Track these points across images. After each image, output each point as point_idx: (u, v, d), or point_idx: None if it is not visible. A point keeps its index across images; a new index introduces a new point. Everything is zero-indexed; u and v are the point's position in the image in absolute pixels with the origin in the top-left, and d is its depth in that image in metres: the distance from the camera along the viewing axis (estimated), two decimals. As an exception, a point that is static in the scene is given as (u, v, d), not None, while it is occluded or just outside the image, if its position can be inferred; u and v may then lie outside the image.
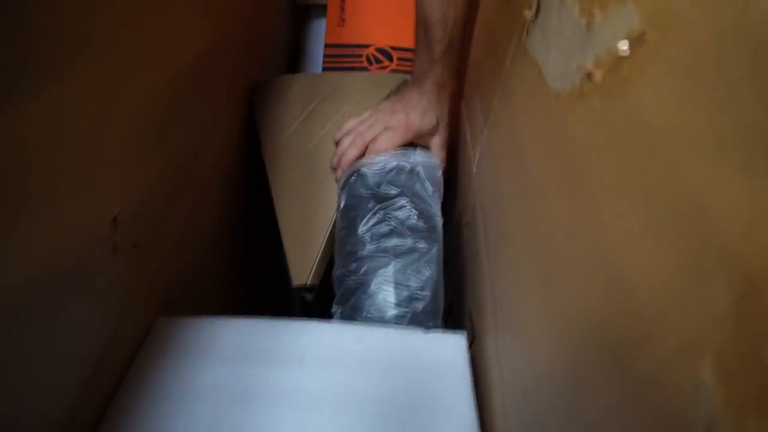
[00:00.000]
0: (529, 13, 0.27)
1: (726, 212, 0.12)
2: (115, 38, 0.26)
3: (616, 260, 0.17)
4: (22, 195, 0.21)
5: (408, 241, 0.38)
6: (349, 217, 0.41)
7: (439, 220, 0.40)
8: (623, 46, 0.17)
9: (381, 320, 0.36)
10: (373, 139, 0.45)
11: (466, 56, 0.50)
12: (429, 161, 0.43)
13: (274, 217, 0.46)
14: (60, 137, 0.23)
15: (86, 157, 0.25)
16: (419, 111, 0.45)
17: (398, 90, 0.52)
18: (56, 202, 0.23)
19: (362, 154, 0.44)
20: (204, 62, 0.39)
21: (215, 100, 0.44)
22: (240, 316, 0.33)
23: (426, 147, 0.46)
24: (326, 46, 0.68)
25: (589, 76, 0.20)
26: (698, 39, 0.14)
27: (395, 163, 0.41)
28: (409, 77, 0.54)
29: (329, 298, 0.60)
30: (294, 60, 0.75)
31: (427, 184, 0.41)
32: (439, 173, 0.43)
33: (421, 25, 0.47)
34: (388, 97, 0.51)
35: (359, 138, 0.45)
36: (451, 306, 0.40)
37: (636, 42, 0.17)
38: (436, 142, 0.47)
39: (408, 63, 0.65)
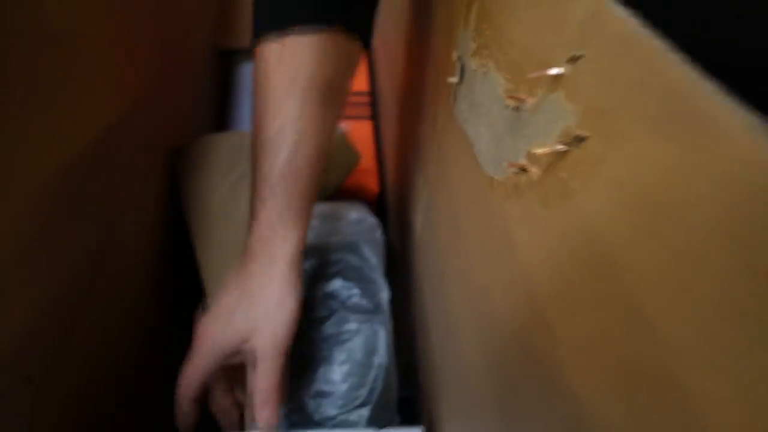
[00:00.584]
0: (453, 79, 0.24)
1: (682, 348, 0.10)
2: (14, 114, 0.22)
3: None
4: None
5: (352, 326, 0.34)
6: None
7: (385, 296, 0.36)
8: (558, 146, 0.14)
9: (327, 420, 0.32)
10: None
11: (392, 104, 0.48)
12: (367, 226, 0.39)
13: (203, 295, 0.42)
14: None
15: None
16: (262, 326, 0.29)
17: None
18: None
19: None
20: (120, 130, 0.35)
21: (133, 171, 0.39)
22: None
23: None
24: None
25: (523, 170, 0.17)
26: (646, 162, 0.11)
27: (334, 240, 0.37)
28: (343, 128, 0.51)
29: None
30: (221, 112, 0.70)
31: (370, 257, 0.37)
32: (379, 234, 0.40)
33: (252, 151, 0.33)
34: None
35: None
36: (414, 384, 0.37)
37: (574, 143, 0.14)
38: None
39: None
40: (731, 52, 0.10)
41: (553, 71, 0.14)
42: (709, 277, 0.10)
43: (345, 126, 0.52)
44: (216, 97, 0.70)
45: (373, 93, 0.65)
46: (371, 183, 0.59)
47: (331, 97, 0.32)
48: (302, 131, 0.30)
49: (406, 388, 0.38)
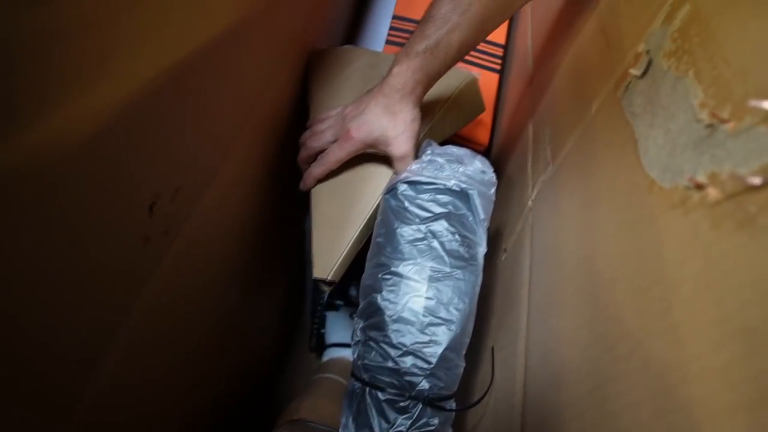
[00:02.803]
0: (635, 71, 0.24)
1: None
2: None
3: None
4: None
5: (446, 268, 0.36)
6: (389, 225, 0.38)
7: (482, 250, 0.38)
8: (754, 179, 0.15)
9: (402, 346, 0.34)
10: (324, 151, 0.44)
11: (545, 73, 0.47)
12: (485, 179, 0.40)
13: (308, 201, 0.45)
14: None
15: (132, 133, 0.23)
16: (369, 120, 0.41)
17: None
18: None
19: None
20: (264, 23, 0.37)
21: (269, 64, 0.41)
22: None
23: (387, 156, 0.42)
24: (394, 17, 0.64)
25: (699, 187, 0.17)
26: None
27: (451, 182, 0.38)
28: (477, 74, 0.51)
29: (345, 293, 0.59)
30: (355, 25, 0.71)
31: (479, 210, 0.38)
32: (493, 192, 0.40)
33: (422, 18, 0.41)
34: (453, 94, 0.48)
35: (313, 144, 0.44)
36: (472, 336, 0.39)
37: (774, 182, 0.14)
38: (395, 152, 0.41)
39: (475, 53, 0.61)
40: None
41: (778, 107, 0.14)
42: None
43: (477, 73, 0.52)
44: (354, 7, 0.70)
45: (507, 47, 0.64)
46: (482, 136, 0.59)
47: (496, 7, 0.39)
48: (465, 19, 0.39)
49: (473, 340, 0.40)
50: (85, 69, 0.19)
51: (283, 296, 0.63)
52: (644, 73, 0.23)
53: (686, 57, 0.20)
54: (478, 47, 0.62)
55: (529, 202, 0.38)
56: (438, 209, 0.38)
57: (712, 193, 0.16)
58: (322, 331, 0.59)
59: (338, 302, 0.59)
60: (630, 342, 0.19)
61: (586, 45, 0.33)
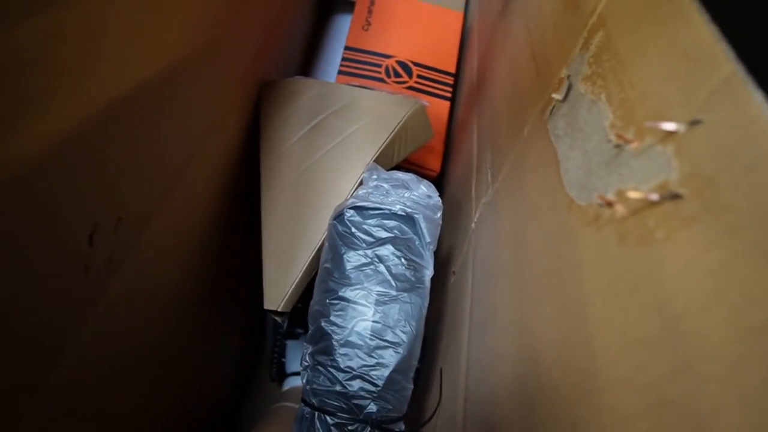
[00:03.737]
0: (557, 96, 0.25)
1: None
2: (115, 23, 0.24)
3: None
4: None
5: (392, 292, 0.36)
6: (336, 250, 0.39)
7: (428, 273, 0.38)
8: (653, 195, 0.15)
9: (349, 370, 0.34)
10: None
11: (489, 89, 0.48)
12: (431, 203, 0.41)
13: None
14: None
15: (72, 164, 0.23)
16: None
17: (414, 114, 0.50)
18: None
19: None
20: (215, 55, 0.37)
21: (221, 97, 0.42)
22: None
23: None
24: (346, 48, 0.65)
25: (609, 205, 0.18)
26: (740, 237, 0.12)
27: (397, 207, 0.39)
28: (425, 101, 0.52)
29: (302, 319, 0.59)
30: (309, 54, 0.72)
31: (425, 234, 0.39)
32: (439, 216, 0.41)
33: None
34: (401, 121, 0.49)
35: None
36: (422, 357, 0.39)
37: (669, 197, 0.15)
38: None
39: (427, 82, 0.63)
40: None
41: (670, 126, 0.15)
42: (764, 354, 0.11)
43: (426, 101, 0.53)
44: (307, 39, 0.71)
45: (457, 75, 0.65)
46: (434, 162, 0.60)
47: None
48: None
49: (421, 360, 0.40)
50: (18, 106, 0.19)
51: (242, 325, 0.62)
52: (565, 97, 0.24)
53: (600, 81, 0.21)
54: (430, 76, 0.64)
55: (473, 225, 0.39)
56: (384, 234, 0.39)
57: (619, 209, 0.17)
58: (283, 359, 0.59)
59: (298, 330, 0.58)
60: (552, 355, 0.20)
61: (520, 71, 0.35)
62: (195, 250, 0.43)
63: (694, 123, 0.14)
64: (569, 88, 0.24)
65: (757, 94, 0.13)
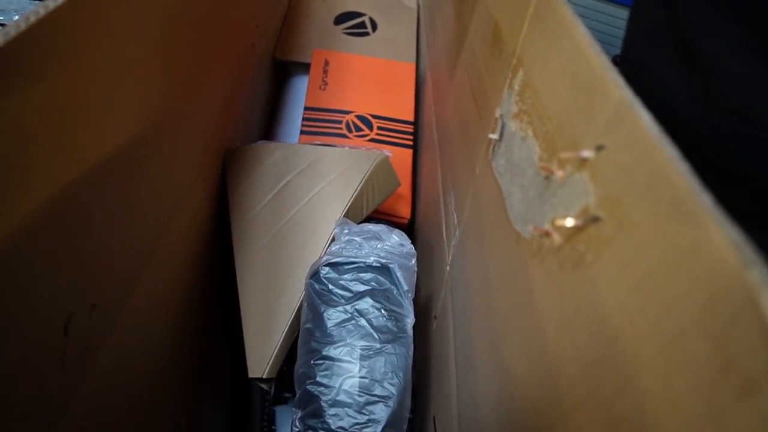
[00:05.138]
0: (493, 136, 0.26)
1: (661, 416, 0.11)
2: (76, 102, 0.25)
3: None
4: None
5: (376, 345, 0.36)
6: (316, 309, 0.39)
7: (410, 322, 0.38)
8: (578, 221, 0.16)
9: (341, 431, 0.34)
10: None
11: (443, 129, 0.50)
12: (404, 251, 0.42)
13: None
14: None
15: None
16: None
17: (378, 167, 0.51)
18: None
19: None
20: (177, 127, 0.38)
21: (186, 168, 0.43)
22: None
23: None
24: (306, 109, 0.67)
25: (547, 234, 0.19)
26: (650, 250, 0.13)
27: (371, 259, 0.40)
28: (388, 152, 0.53)
29: (289, 384, 0.58)
30: (269, 119, 0.74)
31: (402, 283, 0.39)
32: (413, 263, 0.42)
33: None
34: (366, 175, 0.50)
35: None
36: (415, 407, 0.38)
37: (591, 221, 0.16)
38: None
39: (387, 133, 0.65)
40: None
41: (583, 154, 0.16)
42: (686, 361, 0.11)
43: (389, 151, 0.54)
44: (267, 103, 0.73)
45: (416, 123, 0.67)
46: (404, 209, 0.61)
47: None
48: None
49: (413, 411, 0.39)
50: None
51: (228, 395, 0.61)
52: (501, 135, 0.25)
53: (525, 117, 0.22)
54: (391, 126, 0.66)
55: (447, 268, 0.39)
56: (361, 287, 0.39)
57: (555, 238, 0.18)
58: (273, 427, 0.57)
59: (286, 395, 0.57)
60: (522, 390, 0.20)
61: (466, 113, 0.36)
62: (173, 326, 0.43)
63: (599, 148, 0.15)
64: (503, 127, 0.25)
65: (644, 117, 0.14)
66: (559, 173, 0.18)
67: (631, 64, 0.15)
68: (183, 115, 0.40)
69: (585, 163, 0.16)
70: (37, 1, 0.49)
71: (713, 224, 0.11)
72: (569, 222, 0.17)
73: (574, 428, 0.16)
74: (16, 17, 0.44)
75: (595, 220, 0.15)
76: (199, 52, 0.42)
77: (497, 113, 0.26)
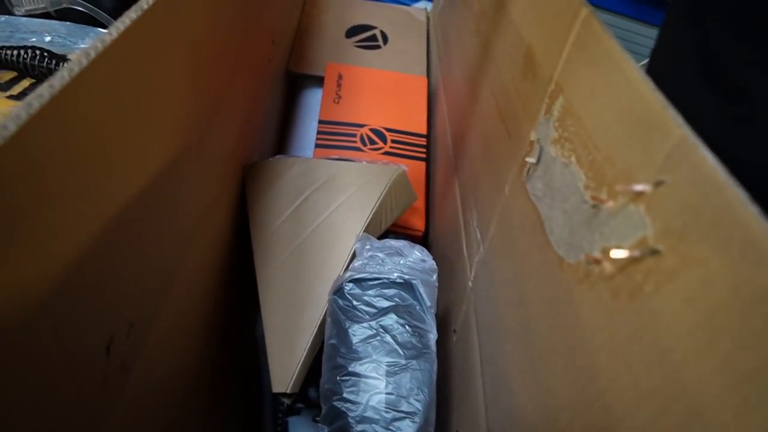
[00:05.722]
0: (530, 159, 0.26)
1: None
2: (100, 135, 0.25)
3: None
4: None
5: (401, 361, 0.37)
6: (340, 325, 0.39)
7: (433, 337, 0.39)
8: (634, 252, 0.17)
9: (369, 446, 0.34)
10: None
11: (462, 147, 0.50)
12: (426, 267, 0.42)
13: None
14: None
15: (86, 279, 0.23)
16: None
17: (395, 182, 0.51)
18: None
19: None
20: (202, 150, 0.39)
21: (209, 187, 0.43)
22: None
23: None
24: (320, 122, 0.68)
25: (597, 262, 0.19)
26: (718, 287, 0.13)
27: (395, 275, 0.40)
28: (404, 166, 0.54)
29: (304, 395, 0.58)
30: (285, 131, 0.74)
31: (424, 299, 0.39)
32: (435, 279, 0.42)
33: None
34: (384, 189, 0.50)
35: None
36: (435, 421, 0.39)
37: (650, 253, 0.16)
38: None
39: (401, 146, 0.65)
40: None
41: (638, 188, 0.17)
42: (763, 399, 0.12)
43: (404, 165, 0.55)
44: (282, 116, 0.74)
45: (429, 136, 0.68)
46: (418, 222, 0.62)
47: None
48: None
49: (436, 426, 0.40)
50: (26, 235, 0.20)
51: (241, 406, 0.61)
52: (538, 160, 0.26)
53: (567, 144, 0.23)
54: (404, 140, 0.66)
55: (470, 283, 0.39)
56: (385, 303, 0.40)
57: (607, 267, 0.18)
58: (288, 440, 0.58)
59: (299, 405, 0.57)
60: (568, 413, 0.20)
61: (491, 131, 0.37)
62: (197, 341, 0.43)
63: (658, 183, 0.16)
64: (540, 151, 0.26)
65: (708, 156, 0.14)
66: (610, 203, 0.19)
67: (655, 82, 0.15)
68: (209, 134, 0.40)
69: (641, 196, 0.17)
70: (70, 24, 0.49)
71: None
72: (624, 253, 0.17)
73: (632, 455, 0.16)
74: (48, 38, 0.45)
75: (654, 252, 0.16)
76: (226, 72, 0.42)
77: (533, 137, 0.27)
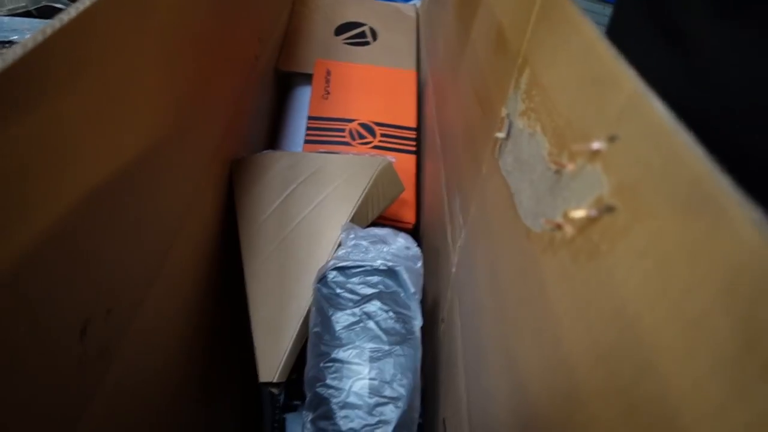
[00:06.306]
0: (500, 134, 0.26)
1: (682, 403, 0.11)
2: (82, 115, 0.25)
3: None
4: None
5: (384, 347, 0.37)
6: (324, 313, 0.39)
7: (417, 324, 0.38)
8: (592, 211, 0.16)
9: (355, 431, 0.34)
10: None
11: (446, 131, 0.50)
12: (410, 254, 0.42)
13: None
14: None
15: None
16: None
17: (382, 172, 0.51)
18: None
19: None
20: (184, 139, 0.38)
21: (195, 178, 0.43)
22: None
23: None
24: (309, 118, 0.68)
25: (558, 227, 0.19)
26: (668, 236, 0.13)
27: (378, 262, 0.40)
28: (391, 158, 0.53)
29: (298, 391, 0.58)
30: (274, 129, 0.74)
31: (408, 285, 0.39)
32: (420, 266, 0.42)
33: None
34: (371, 180, 0.50)
35: None
36: (423, 411, 0.39)
37: (605, 211, 0.16)
38: None
39: (390, 139, 0.65)
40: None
41: (594, 146, 0.16)
42: (708, 342, 0.11)
43: (392, 157, 0.55)
44: (271, 114, 0.74)
45: (418, 129, 0.68)
46: (408, 215, 0.61)
47: None
48: None
49: (423, 415, 0.39)
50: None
51: (238, 404, 0.61)
52: (508, 134, 0.26)
53: (533, 115, 0.23)
54: (393, 133, 0.66)
55: (453, 269, 0.39)
56: (369, 290, 0.39)
57: (568, 230, 0.18)
58: (284, 436, 0.57)
59: (296, 402, 0.57)
60: (536, 384, 0.20)
61: (470, 115, 0.36)
62: (185, 333, 0.43)
63: (612, 139, 0.16)
64: (510, 126, 0.25)
65: (657, 106, 0.14)
66: (570, 166, 0.18)
67: (614, 43, 0.15)
68: (190, 126, 0.40)
69: (597, 154, 0.17)
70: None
71: (732, 204, 0.11)
72: (582, 213, 0.17)
73: (592, 416, 0.16)
74: (28, 35, 0.45)
75: (610, 209, 0.16)
76: (205, 65, 0.42)
77: (503, 112, 0.27)
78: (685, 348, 0.12)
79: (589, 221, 0.17)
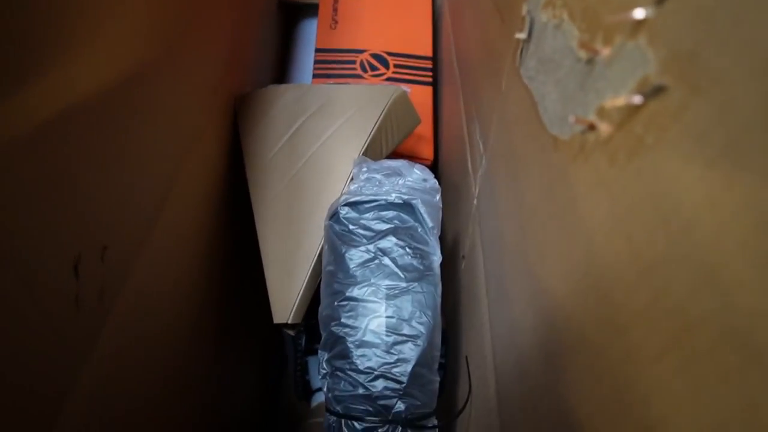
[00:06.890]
0: (521, 35, 0.23)
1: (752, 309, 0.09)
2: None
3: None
4: None
5: (401, 284, 0.34)
6: (336, 251, 0.37)
7: (436, 259, 0.36)
8: (635, 98, 0.13)
9: (370, 371, 0.32)
10: None
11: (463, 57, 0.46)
12: (427, 187, 0.39)
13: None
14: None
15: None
16: None
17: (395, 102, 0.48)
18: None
19: None
20: (178, 65, 0.36)
21: (196, 111, 0.40)
22: None
23: None
24: (317, 51, 0.64)
25: (592, 127, 0.16)
26: (741, 105, 0.10)
27: (393, 196, 0.37)
28: (406, 88, 0.50)
29: (319, 335, 0.57)
30: (281, 64, 0.71)
31: (426, 220, 0.37)
32: (438, 199, 0.39)
33: None
34: (384, 110, 0.47)
35: None
36: (446, 351, 0.37)
37: (653, 94, 0.13)
38: None
39: (405, 70, 0.61)
40: None
41: (638, 14, 0.13)
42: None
43: (407, 88, 0.51)
44: (277, 49, 0.70)
45: (435, 59, 0.64)
46: (426, 150, 0.58)
47: None
48: None
49: (445, 355, 0.38)
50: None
51: (260, 349, 0.61)
52: (530, 33, 0.22)
53: (559, 2, 0.19)
54: (408, 64, 0.62)
55: (475, 201, 0.36)
56: (384, 226, 0.37)
57: (603, 128, 0.15)
58: (307, 377, 0.57)
59: (317, 346, 0.56)
60: (563, 312, 0.18)
61: (489, 27, 0.33)
62: (195, 273, 0.41)
63: (660, 1, 0.12)
64: (532, 24, 0.22)
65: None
66: (605, 51, 0.15)
67: None
68: (183, 55, 0.37)
69: (641, 25, 0.13)
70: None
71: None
72: (621, 102, 0.14)
73: (635, 344, 0.13)
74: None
75: (659, 90, 0.12)
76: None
77: (524, 11, 0.23)
78: (760, 253, 0.09)
79: (631, 111, 0.14)
